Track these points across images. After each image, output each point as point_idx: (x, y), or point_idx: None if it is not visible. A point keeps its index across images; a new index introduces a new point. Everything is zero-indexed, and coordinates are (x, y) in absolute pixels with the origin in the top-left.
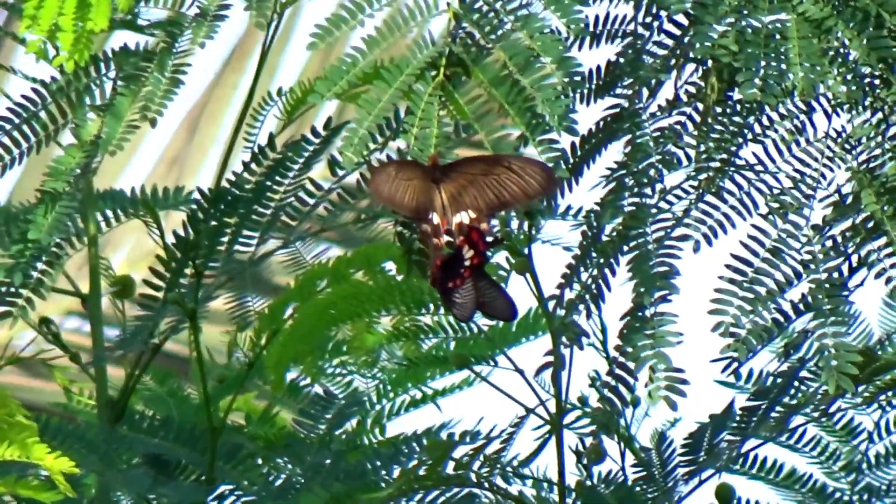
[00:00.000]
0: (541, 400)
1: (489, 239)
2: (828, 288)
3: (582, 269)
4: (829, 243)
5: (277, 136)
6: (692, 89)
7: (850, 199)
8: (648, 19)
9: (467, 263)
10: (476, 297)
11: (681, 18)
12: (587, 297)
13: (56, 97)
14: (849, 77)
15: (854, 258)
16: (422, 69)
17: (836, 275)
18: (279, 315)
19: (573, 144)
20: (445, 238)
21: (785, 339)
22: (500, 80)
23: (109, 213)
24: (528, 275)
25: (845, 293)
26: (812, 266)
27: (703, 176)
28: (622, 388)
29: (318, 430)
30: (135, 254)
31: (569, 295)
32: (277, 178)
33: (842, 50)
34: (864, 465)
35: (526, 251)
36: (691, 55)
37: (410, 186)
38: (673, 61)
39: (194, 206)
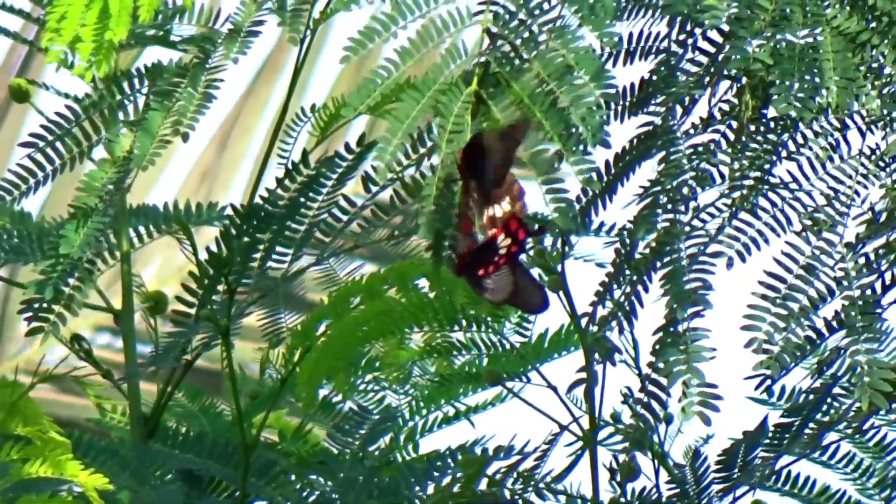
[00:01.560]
0: (574, 416)
1: (531, 228)
2: (861, 305)
3: (614, 285)
4: (862, 260)
5: (310, 152)
6: (726, 107)
7: (883, 217)
8: (682, 36)
9: (503, 251)
10: (511, 283)
11: (714, 35)
12: (620, 313)
13: (89, 113)
14: (884, 92)
15: (888, 276)
16: (455, 80)
17: (869, 292)
18: (312, 332)
19: (607, 161)
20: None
21: (817, 357)
22: (537, 96)
23: (142, 228)
24: (560, 292)
25: (878, 310)
26: (845, 283)
27: (736, 193)
28: (655, 404)
29: (351, 446)
30: (165, 270)
31: (601, 311)
32: (311, 194)
33: (875, 65)
34: None
35: (559, 268)
36: (725, 72)
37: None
38: (707, 79)
39: (227, 222)
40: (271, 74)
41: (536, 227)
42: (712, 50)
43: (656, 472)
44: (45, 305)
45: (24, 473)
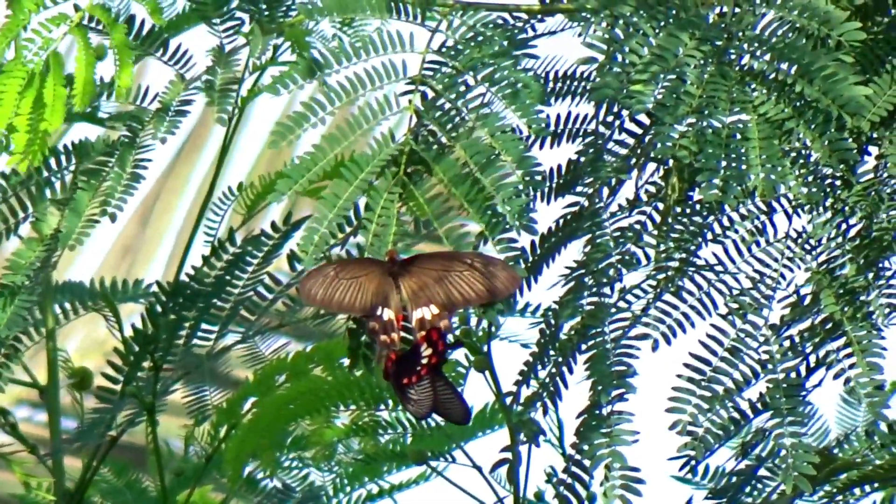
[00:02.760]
0: (498, 496)
1: (449, 339)
2: (785, 388)
3: (539, 366)
4: (786, 343)
5: (237, 230)
6: (652, 189)
7: (808, 300)
8: (609, 118)
9: (424, 361)
10: (433, 396)
11: (642, 118)
12: (545, 394)
13: (16, 190)
14: (809, 178)
15: (812, 358)
16: (382, 166)
17: (793, 374)
18: (237, 409)
19: (532, 242)
20: (399, 333)
21: (742, 438)
22: (461, 179)
23: (67, 305)
24: (486, 371)
25: (803, 393)
26: (769, 366)
27: (661, 275)
28: (578, 486)
29: None
30: (86, 344)
31: (526, 392)
32: (237, 272)
33: (803, 151)
34: None
35: (485, 348)
36: (652, 155)
37: (357, 284)
38: (633, 161)
39: (153, 299)
40: (192, 152)
41: (453, 340)
42: (639, 132)
43: None
44: None
45: None
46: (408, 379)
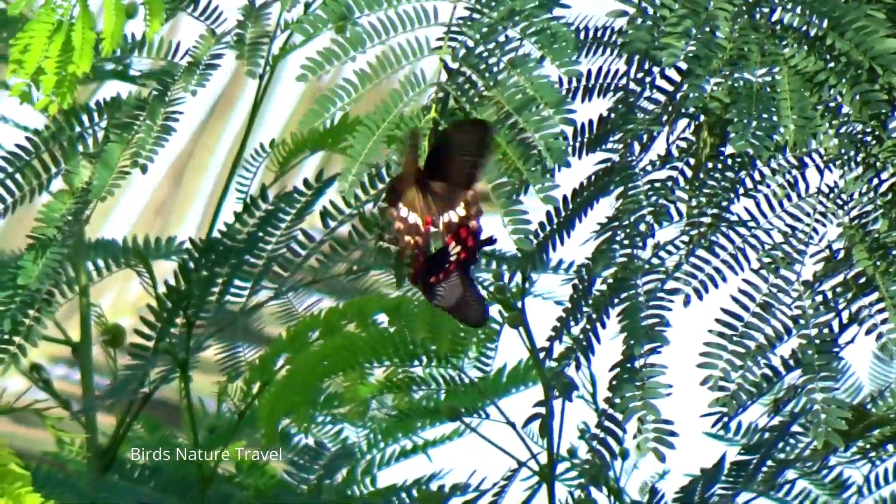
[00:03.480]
0: (532, 452)
1: (481, 238)
2: (818, 344)
3: (572, 321)
4: (819, 299)
5: (269, 187)
6: (684, 144)
7: (840, 255)
8: (640, 75)
9: (453, 258)
10: (459, 292)
11: (673, 74)
12: (578, 349)
13: (48, 145)
14: (841, 131)
15: (844, 314)
16: (413, 112)
17: (826, 330)
18: (270, 366)
19: (564, 197)
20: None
21: (774, 395)
22: (498, 125)
23: (101, 262)
24: (520, 328)
25: (835, 349)
26: (802, 321)
27: (694, 231)
28: (611, 440)
29: (308, 481)
30: (119, 302)
31: (559, 347)
32: (269, 228)
33: (832, 104)
34: None
35: (519, 304)
36: (683, 110)
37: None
38: (665, 116)
39: (186, 256)
40: (225, 110)
41: (489, 237)
42: (670, 88)
43: None
44: (4, 337)
45: None
46: (436, 277)
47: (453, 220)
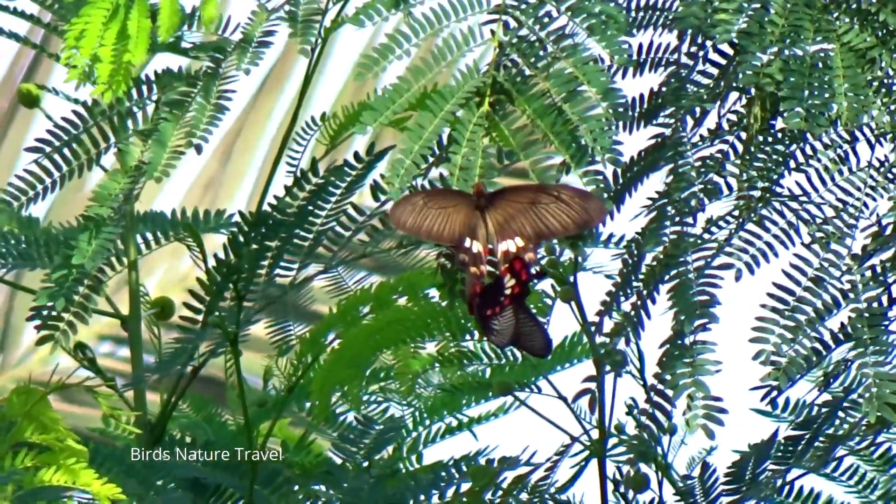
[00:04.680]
0: (584, 427)
1: (533, 270)
2: (868, 317)
3: (622, 296)
4: (868, 273)
5: (319, 161)
6: (734, 118)
7: (889, 229)
8: (693, 49)
9: (507, 292)
10: (514, 326)
11: (725, 48)
12: (627, 325)
13: (97, 119)
14: (892, 108)
15: (894, 289)
16: (467, 98)
17: (875, 304)
18: (321, 340)
19: (615, 173)
20: (487, 267)
21: (823, 369)
22: (545, 110)
23: (150, 235)
24: (572, 302)
25: (885, 323)
26: (852, 295)
27: (744, 205)
28: (660, 416)
29: (355, 457)
30: (168, 279)
31: (608, 322)
32: (319, 202)
33: (886, 80)
34: None
35: (571, 279)
36: (735, 84)
37: (445, 214)
38: (717, 91)
39: (235, 230)
40: (275, 87)
41: (537, 271)
42: (723, 62)
43: (660, 484)
44: (54, 314)
45: (37, 481)
46: (491, 310)
47: (511, 249)
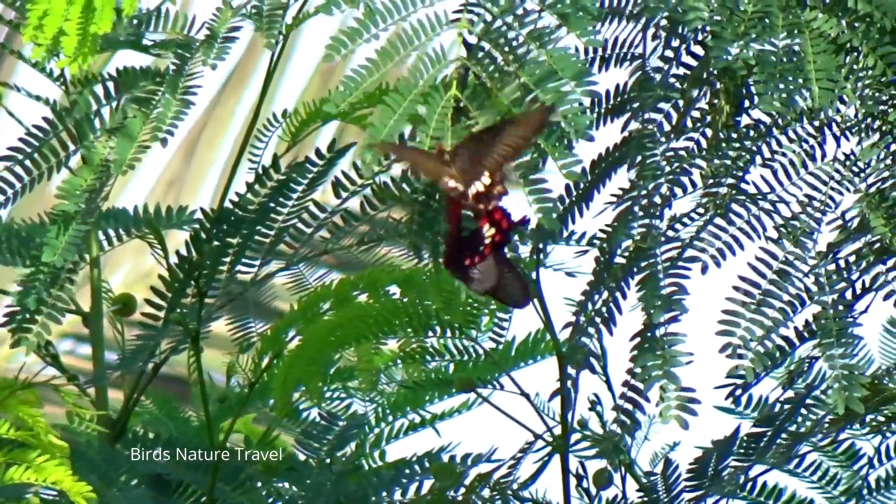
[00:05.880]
0: (546, 424)
1: (513, 219)
2: (834, 311)
3: (596, 295)
4: (832, 267)
5: (281, 157)
6: (697, 114)
7: (854, 224)
8: (659, 44)
9: (488, 241)
10: (496, 275)
11: (698, 50)
12: (598, 320)
13: (64, 122)
14: (864, 94)
15: (858, 284)
16: (434, 86)
17: (840, 298)
18: (282, 337)
19: (583, 169)
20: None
21: (788, 366)
22: (519, 100)
23: (112, 232)
24: (534, 299)
25: (851, 317)
26: (817, 289)
27: (710, 200)
28: (635, 411)
29: (318, 452)
30: (131, 277)
31: (583, 320)
32: (281, 199)
33: (855, 67)
34: (865, 491)
35: (533, 275)
36: (701, 78)
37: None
38: (683, 86)
39: (197, 226)
40: (238, 84)
41: (522, 217)
42: (694, 64)
43: (623, 480)
44: (27, 315)
45: (6, 479)
46: (470, 260)
47: (480, 189)
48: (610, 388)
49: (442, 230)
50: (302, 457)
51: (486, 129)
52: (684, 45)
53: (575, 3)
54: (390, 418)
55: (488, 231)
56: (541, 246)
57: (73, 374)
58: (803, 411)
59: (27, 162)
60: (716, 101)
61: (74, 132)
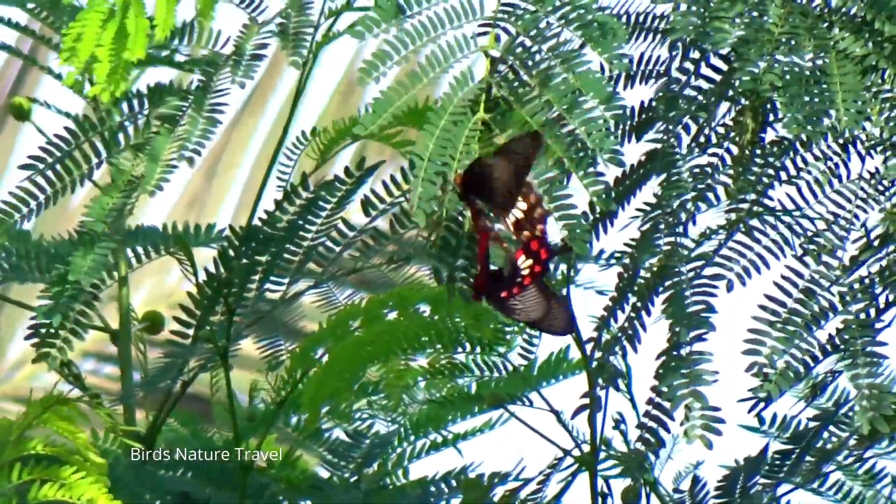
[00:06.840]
0: (575, 441)
1: (551, 247)
2: (859, 328)
3: (619, 310)
4: (857, 285)
5: (309, 175)
6: (722, 130)
7: (877, 241)
8: (686, 63)
9: (526, 273)
10: (541, 306)
11: (718, 62)
12: (623, 337)
13: (88, 135)
14: (891, 114)
15: (882, 299)
16: (463, 110)
17: (863, 316)
18: (311, 354)
19: (607, 185)
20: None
21: (809, 383)
22: (544, 120)
23: (140, 250)
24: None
25: (875, 334)
26: (841, 307)
27: (734, 216)
28: (660, 430)
29: (343, 471)
30: (153, 295)
31: (606, 337)
32: (310, 217)
33: (881, 87)
34: None
35: (564, 293)
36: (726, 96)
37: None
38: (709, 103)
39: (225, 244)
40: (258, 104)
41: (560, 245)
42: (716, 77)
43: (647, 498)
44: (51, 331)
45: (40, 496)
46: (507, 292)
47: (518, 216)
48: (634, 406)
49: (463, 259)
50: (325, 475)
51: (492, 155)
52: (703, 59)
53: (599, 22)
54: (412, 437)
55: (524, 262)
56: (573, 262)
57: (96, 392)
58: (830, 428)
59: (49, 173)
60: (741, 118)
61: (99, 146)
